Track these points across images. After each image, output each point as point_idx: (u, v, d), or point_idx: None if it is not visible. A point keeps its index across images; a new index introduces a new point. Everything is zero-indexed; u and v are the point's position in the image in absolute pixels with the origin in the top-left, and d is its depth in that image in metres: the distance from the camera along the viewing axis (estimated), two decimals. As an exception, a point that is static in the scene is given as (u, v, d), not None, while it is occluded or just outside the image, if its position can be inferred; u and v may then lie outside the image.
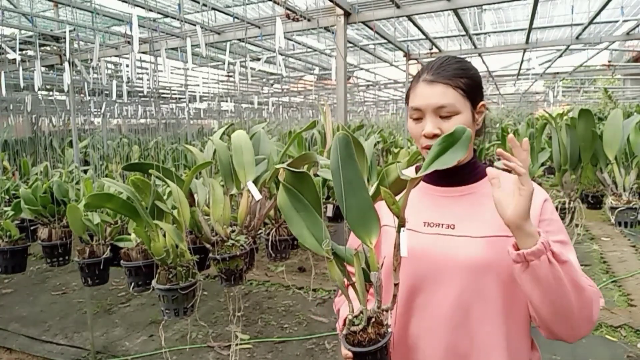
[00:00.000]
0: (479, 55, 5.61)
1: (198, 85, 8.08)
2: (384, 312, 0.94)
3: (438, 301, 1.03)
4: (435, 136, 1.03)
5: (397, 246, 0.92)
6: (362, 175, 0.92)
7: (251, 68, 4.37)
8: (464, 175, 1.10)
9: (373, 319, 0.94)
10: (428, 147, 1.05)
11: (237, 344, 3.38)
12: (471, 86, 1.06)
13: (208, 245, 1.60)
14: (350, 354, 0.93)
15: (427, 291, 1.03)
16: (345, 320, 1.00)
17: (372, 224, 0.92)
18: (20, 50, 4.18)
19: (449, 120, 1.04)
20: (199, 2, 3.54)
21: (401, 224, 0.90)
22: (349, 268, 1.02)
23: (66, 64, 3.56)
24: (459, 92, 1.05)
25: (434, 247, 0.98)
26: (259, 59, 5.12)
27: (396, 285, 0.94)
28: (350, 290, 1.03)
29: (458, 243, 1.02)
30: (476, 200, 1.07)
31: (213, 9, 3.40)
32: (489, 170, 0.93)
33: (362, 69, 6.99)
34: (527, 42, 4.66)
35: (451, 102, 1.04)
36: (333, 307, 1.26)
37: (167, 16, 3.39)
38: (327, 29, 3.46)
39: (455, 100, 1.04)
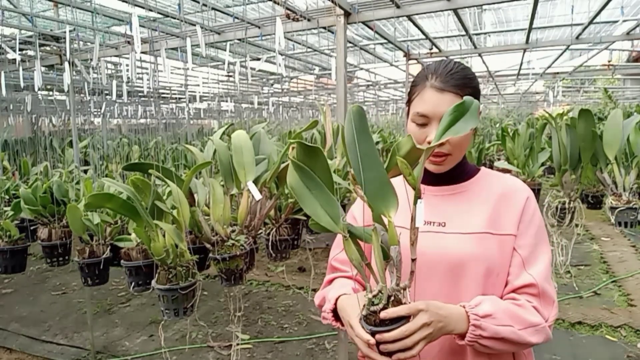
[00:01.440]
0: (479, 55, 5.60)
1: (198, 85, 8.07)
2: (403, 290, 0.92)
3: (432, 296, 1.05)
4: (441, 144, 1.03)
5: (413, 218, 0.90)
6: (376, 148, 0.91)
7: (251, 68, 4.36)
8: (454, 174, 1.14)
9: (392, 297, 0.91)
10: (432, 154, 1.07)
11: (237, 344, 3.38)
12: (475, 95, 1.08)
13: (208, 245, 1.60)
14: (372, 338, 0.89)
15: (421, 287, 1.05)
16: (338, 301, 1.03)
17: (391, 197, 0.90)
18: (20, 50, 4.18)
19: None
20: (199, 2, 3.53)
21: (417, 195, 0.89)
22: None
23: (66, 64, 3.56)
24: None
25: (426, 244, 1.01)
26: (259, 59, 5.11)
27: (413, 260, 0.91)
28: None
29: (449, 240, 1.06)
30: (466, 198, 1.12)
31: (213, 9, 3.40)
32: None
33: (362, 69, 6.99)
34: (527, 42, 4.65)
35: None
36: (314, 301, 1.24)
37: (167, 16, 3.39)
38: (327, 29, 3.46)
39: None
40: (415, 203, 0.89)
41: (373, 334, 0.89)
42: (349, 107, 0.90)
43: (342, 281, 1.19)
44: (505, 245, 1.06)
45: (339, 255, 1.23)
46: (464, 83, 1.06)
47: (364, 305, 0.92)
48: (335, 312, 1.08)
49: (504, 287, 1.08)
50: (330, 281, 1.23)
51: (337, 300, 1.07)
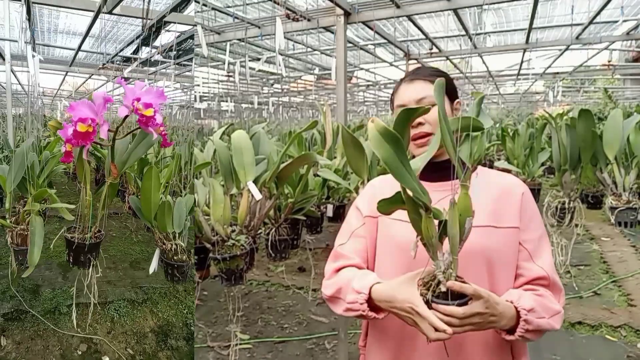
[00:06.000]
0: (479, 55, 5.61)
1: (198, 85, 8.07)
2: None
3: None
4: (420, 124, 1.16)
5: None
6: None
7: (251, 68, 4.37)
8: (449, 169, 1.14)
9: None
10: (414, 138, 1.17)
11: (235, 344, 3.38)
12: (446, 83, 1.15)
13: (208, 245, 1.60)
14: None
15: None
16: (373, 290, 1.03)
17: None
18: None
19: (431, 111, 1.12)
20: (199, 2, 3.54)
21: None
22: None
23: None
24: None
25: None
26: (259, 59, 5.11)
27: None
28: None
29: None
30: None
31: (213, 9, 3.41)
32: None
33: (362, 69, 6.99)
34: (527, 42, 4.66)
35: (430, 94, 1.13)
36: (323, 291, 1.21)
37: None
38: (327, 29, 3.46)
39: (432, 93, 1.12)
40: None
41: (428, 302, 0.90)
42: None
43: (354, 270, 1.18)
44: (509, 237, 1.12)
45: (346, 245, 1.25)
46: (431, 73, 1.19)
47: (431, 283, 0.92)
48: (369, 302, 1.06)
49: (514, 280, 1.13)
50: (337, 270, 1.22)
51: (371, 289, 1.05)
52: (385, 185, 1.27)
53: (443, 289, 0.91)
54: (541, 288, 1.10)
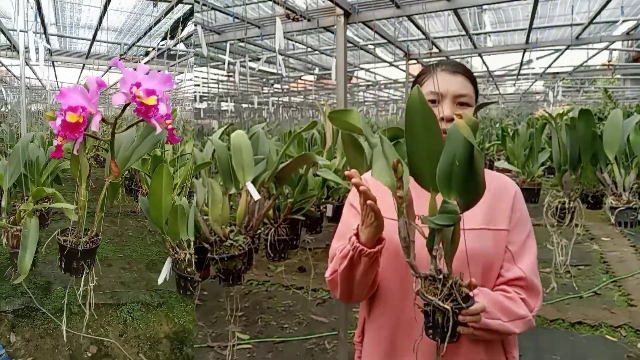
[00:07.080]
0: (479, 55, 5.60)
1: (198, 85, 8.07)
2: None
3: None
4: (452, 120, 1.09)
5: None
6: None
7: (251, 68, 4.36)
8: None
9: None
10: (443, 131, 1.09)
11: (233, 345, 3.38)
12: (477, 90, 1.19)
13: (207, 245, 1.60)
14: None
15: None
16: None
17: None
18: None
19: (463, 110, 1.12)
20: (199, 2, 3.54)
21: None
22: None
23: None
24: (474, 88, 1.17)
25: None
26: (259, 59, 5.11)
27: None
28: None
29: None
30: None
31: (213, 8, 3.40)
32: None
33: (362, 69, 6.99)
34: (527, 42, 4.65)
35: (470, 94, 1.14)
36: (326, 277, 1.21)
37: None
38: (327, 29, 3.46)
39: (471, 93, 1.15)
40: None
41: (460, 309, 0.92)
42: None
43: None
44: (500, 239, 1.13)
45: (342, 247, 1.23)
46: (470, 72, 1.17)
47: (453, 293, 0.93)
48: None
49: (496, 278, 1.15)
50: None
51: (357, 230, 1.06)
52: (378, 182, 1.24)
53: (467, 290, 0.94)
54: (515, 288, 1.11)
